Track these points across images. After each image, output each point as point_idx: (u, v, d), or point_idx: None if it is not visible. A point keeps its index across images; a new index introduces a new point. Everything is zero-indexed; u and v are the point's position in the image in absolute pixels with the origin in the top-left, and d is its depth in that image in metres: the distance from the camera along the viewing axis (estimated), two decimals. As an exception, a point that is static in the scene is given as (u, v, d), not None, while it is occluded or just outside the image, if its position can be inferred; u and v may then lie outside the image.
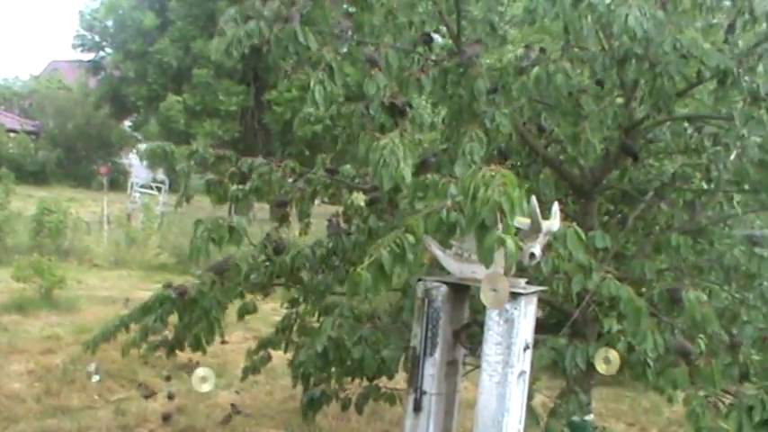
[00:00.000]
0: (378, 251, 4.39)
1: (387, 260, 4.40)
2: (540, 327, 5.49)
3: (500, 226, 3.89)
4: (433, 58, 6.49)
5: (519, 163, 7.64)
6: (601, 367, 5.54)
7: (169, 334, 7.25)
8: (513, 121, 6.37)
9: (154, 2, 33.71)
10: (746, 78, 6.38)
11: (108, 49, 38.09)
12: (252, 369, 8.07)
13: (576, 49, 6.69)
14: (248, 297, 7.47)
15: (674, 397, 6.24)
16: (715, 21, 7.34)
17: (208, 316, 6.73)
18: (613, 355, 5.50)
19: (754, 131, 6.48)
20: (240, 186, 7.02)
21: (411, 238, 4.45)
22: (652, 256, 6.98)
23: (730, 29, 6.86)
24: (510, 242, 3.87)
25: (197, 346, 7.03)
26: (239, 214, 7.47)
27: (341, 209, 7.63)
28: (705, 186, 7.83)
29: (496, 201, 3.92)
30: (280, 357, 8.37)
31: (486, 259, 3.98)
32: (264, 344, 8.08)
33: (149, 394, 9.62)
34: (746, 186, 7.22)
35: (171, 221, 21.61)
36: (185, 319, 6.86)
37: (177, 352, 7.34)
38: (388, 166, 4.92)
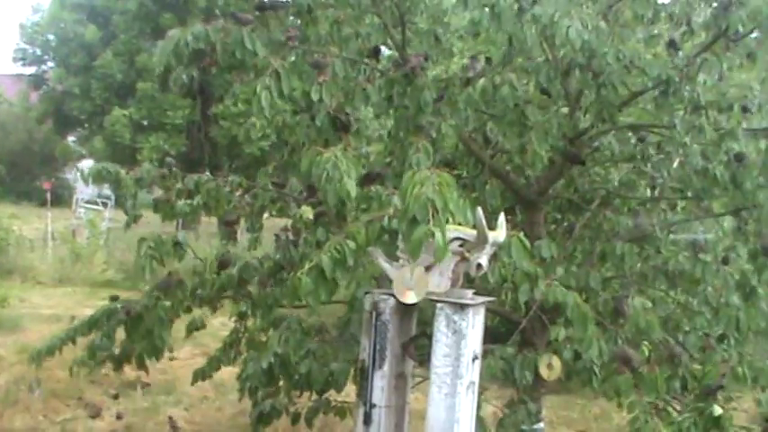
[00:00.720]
0: (319, 256, 4.41)
1: (327, 265, 4.43)
2: (490, 337, 5.52)
3: (431, 221, 3.93)
4: (380, 68, 6.50)
5: (466, 173, 7.68)
6: (544, 372, 5.62)
7: (116, 349, 7.14)
8: (458, 132, 6.40)
9: (97, 15, 33.26)
10: (687, 88, 6.48)
11: (50, 63, 37.49)
12: (201, 375, 7.96)
13: (520, 60, 6.74)
14: (196, 312, 7.40)
15: (624, 403, 6.30)
16: (656, 32, 7.46)
17: (151, 335, 6.66)
18: (555, 360, 5.58)
19: (696, 139, 6.58)
20: (188, 201, 6.96)
21: (352, 244, 4.48)
22: (598, 265, 7.04)
23: (672, 43, 6.96)
24: (439, 235, 3.91)
25: (141, 365, 6.96)
26: (187, 229, 7.41)
27: (289, 222, 7.59)
28: (649, 194, 7.94)
29: (429, 197, 3.97)
30: (229, 373, 8.29)
31: (414, 252, 4.05)
32: (214, 362, 7.98)
33: (96, 413, 9.46)
34: (689, 194, 7.33)
35: (117, 237, 21.30)
36: (133, 336, 6.79)
37: (125, 369, 7.24)
38: (332, 181, 4.91)
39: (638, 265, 7.21)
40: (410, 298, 4.70)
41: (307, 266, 4.50)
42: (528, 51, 6.46)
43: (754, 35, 6.80)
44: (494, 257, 4.92)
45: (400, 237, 4.60)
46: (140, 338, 6.76)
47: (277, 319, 6.96)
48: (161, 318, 6.63)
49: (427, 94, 6.06)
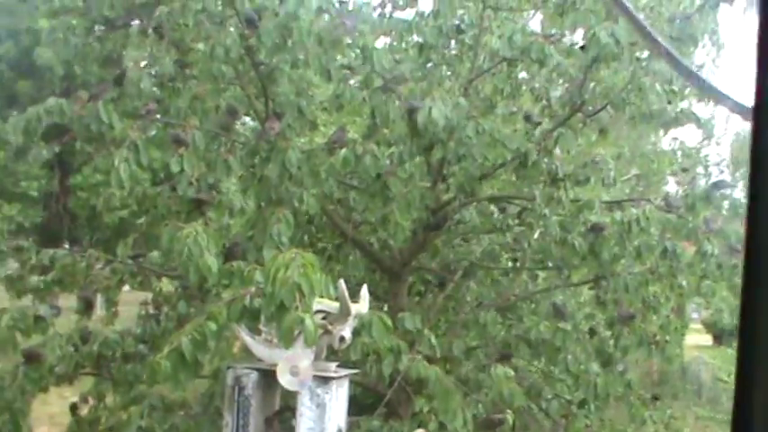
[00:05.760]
0: (179, 339, 4.29)
1: (187, 348, 4.29)
2: (355, 408, 5.46)
3: (299, 307, 3.89)
4: (241, 140, 6.47)
5: (330, 245, 7.67)
6: None
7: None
8: (321, 203, 6.39)
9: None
10: (546, 160, 6.66)
11: None
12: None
13: (385, 131, 6.80)
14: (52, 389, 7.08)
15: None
16: (515, 109, 7.68)
17: (11, 408, 6.31)
18: None
19: (555, 211, 6.75)
20: (42, 277, 6.70)
21: (213, 326, 4.36)
22: (462, 334, 7.09)
23: (528, 118, 7.17)
24: (309, 321, 3.88)
25: None
26: (41, 302, 7.09)
27: (150, 296, 7.40)
28: (511, 264, 8.08)
29: (296, 282, 3.93)
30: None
31: (286, 339, 3.98)
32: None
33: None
34: (550, 264, 7.49)
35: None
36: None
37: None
38: (192, 257, 4.82)
39: (502, 333, 7.30)
40: (296, 387, 4.61)
41: (166, 350, 4.36)
42: (391, 124, 6.52)
43: (607, 110, 7.06)
44: (357, 333, 4.91)
45: (263, 315, 4.53)
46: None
47: (138, 396, 6.74)
48: (23, 389, 6.27)
49: (292, 154, 6.03)
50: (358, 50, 6.48)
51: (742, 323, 1.48)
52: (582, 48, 6.65)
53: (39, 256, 6.66)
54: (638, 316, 7.08)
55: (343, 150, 6.17)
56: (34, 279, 6.60)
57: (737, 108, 1.55)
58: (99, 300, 7.74)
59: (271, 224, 5.64)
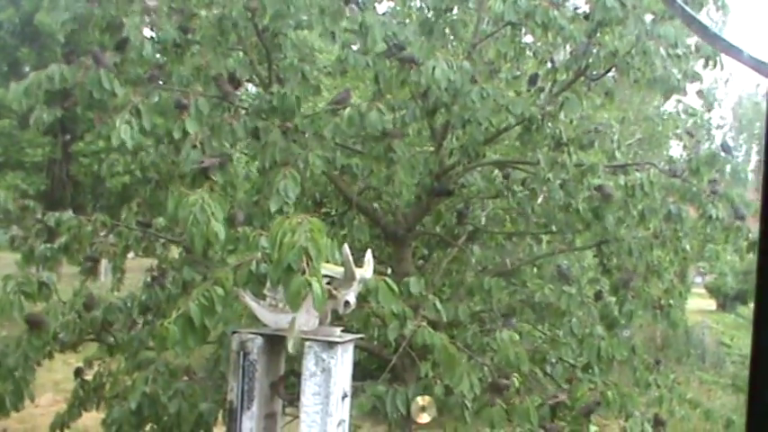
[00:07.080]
0: (186, 304, 4.29)
1: (195, 313, 4.30)
2: (360, 373, 5.47)
3: (307, 270, 3.89)
4: (244, 106, 6.43)
5: (335, 211, 7.66)
6: (417, 416, 5.58)
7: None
8: (326, 167, 6.37)
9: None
10: (550, 125, 6.63)
11: None
12: (60, 424, 7.57)
13: (388, 96, 6.76)
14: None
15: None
16: (518, 72, 7.63)
17: (13, 376, 6.33)
18: (428, 400, 5.57)
19: (559, 175, 6.73)
20: (48, 245, 6.70)
21: (220, 291, 4.37)
22: (466, 299, 7.09)
23: (532, 79, 7.12)
24: (317, 285, 3.87)
25: (1, 408, 6.60)
26: (48, 270, 7.08)
27: (155, 262, 7.40)
28: (515, 229, 8.07)
29: (303, 246, 3.92)
30: (93, 419, 7.97)
31: (294, 303, 3.98)
32: (75, 405, 7.62)
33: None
34: (554, 228, 7.48)
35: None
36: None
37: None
38: (198, 224, 4.80)
39: (506, 298, 7.30)
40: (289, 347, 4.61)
41: (174, 315, 4.37)
42: (394, 89, 6.48)
43: (611, 74, 7.02)
44: (363, 299, 4.91)
45: (269, 280, 4.53)
46: (2, 381, 6.41)
47: (143, 362, 6.75)
48: (26, 356, 6.29)
49: (302, 121, 6.01)
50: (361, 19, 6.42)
51: (759, 296, 1.47)
52: (586, 17, 6.59)
53: (44, 218, 6.66)
54: (641, 280, 7.09)
55: (348, 110, 6.13)
56: (41, 248, 6.60)
57: (754, 63, 1.53)
58: (104, 267, 7.74)
59: (276, 182, 5.61)
